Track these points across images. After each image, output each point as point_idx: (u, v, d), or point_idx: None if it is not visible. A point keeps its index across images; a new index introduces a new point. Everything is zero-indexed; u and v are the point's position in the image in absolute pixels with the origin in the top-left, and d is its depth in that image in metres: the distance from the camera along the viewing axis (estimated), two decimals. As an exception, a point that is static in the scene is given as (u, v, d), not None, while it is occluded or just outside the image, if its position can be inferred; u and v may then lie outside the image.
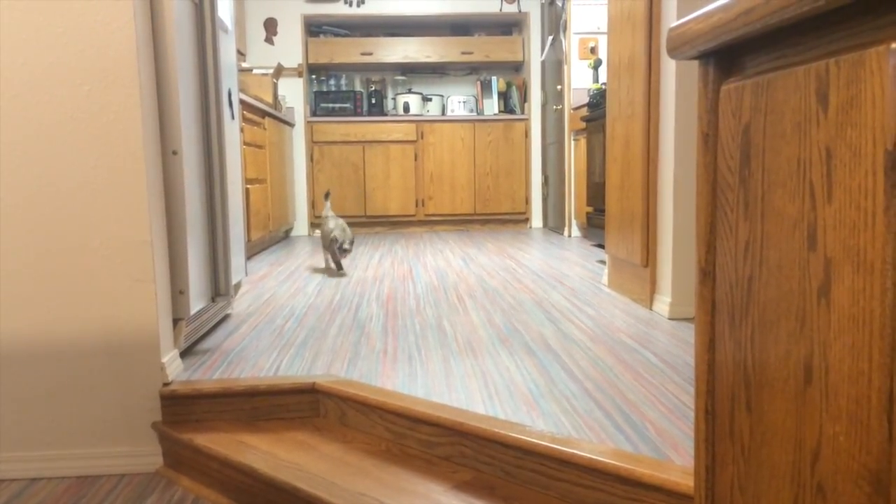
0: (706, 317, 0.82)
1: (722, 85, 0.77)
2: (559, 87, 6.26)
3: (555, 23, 6.39)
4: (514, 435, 1.56)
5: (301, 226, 6.91)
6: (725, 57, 0.77)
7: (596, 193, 4.85)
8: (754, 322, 0.71)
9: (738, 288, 0.75)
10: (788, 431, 0.65)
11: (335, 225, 3.84)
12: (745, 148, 0.72)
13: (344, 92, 6.98)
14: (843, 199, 0.56)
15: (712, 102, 0.79)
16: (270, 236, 5.74)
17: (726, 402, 0.78)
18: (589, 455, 1.43)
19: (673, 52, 0.81)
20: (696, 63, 2.62)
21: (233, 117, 2.66)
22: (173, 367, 2.06)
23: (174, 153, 2.07)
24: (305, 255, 5.09)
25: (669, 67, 2.71)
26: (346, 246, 3.72)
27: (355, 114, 6.92)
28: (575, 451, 1.45)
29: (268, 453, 1.77)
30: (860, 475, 0.55)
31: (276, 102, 6.11)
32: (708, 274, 0.82)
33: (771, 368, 0.68)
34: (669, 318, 2.69)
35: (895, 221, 0.51)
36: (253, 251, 5.16)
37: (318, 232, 6.94)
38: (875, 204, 0.53)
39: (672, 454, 1.44)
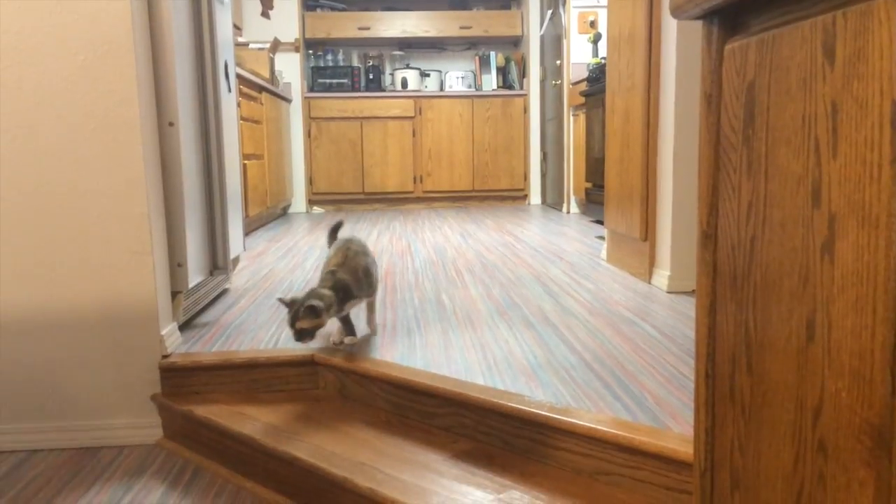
0: (707, 280, 0.82)
1: (726, 44, 0.76)
2: (558, 61, 6.21)
3: (554, -3, 6.33)
4: (513, 405, 1.56)
5: (299, 203, 6.89)
6: (730, 15, 0.76)
7: (595, 169, 4.83)
8: (756, 283, 0.71)
9: (741, 249, 0.74)
10: (790, 390, 0.65)
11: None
12: (750, 106, 0.71)
13: (341, 67, 6.93)
14: (849, 154, 0.56)
15: (716, 62, 0.78)
16: (268, 213, 5.72)
17: (727, 364, 0.78)
18: (588, 424, 1.44)
19: (676, 12, 0.80)
20: (697, 36, 2.60)
21: (229, 90, 2.64)
22: (172, 339, 2.06)
23: (171, 124, 2.05)
24: (304, 232, 5.08)
25: (670, 40, 2.69)
26: (298, 321, 1.80)
27: (353, 89, 6.87)
28: (574, 421, 1.46)
29: (267, 424, 1.78)
30: (862, 430, 0.55)
31: (272, 77, 6.06)
32: (710, 237, 0.81)
33: (773, 328, 0.68)
34: (668, 292, 2.69)
35: (901, 174, 0.50)
36: (251, 228, 5.15)
37: (316, 209, 6.92)
38: (881, 156, 0.52)
39: (670, 423, 1.44)
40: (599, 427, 1.42)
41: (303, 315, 1.80)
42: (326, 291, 1.87)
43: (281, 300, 1.86)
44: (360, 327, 2.14)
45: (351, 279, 1.94)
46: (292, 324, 1.81)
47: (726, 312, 0.77)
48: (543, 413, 1.50)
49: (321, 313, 1.81)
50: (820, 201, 0.59)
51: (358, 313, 2.04)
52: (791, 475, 0.65)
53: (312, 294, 1.84)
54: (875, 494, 0.54)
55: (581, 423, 1.45)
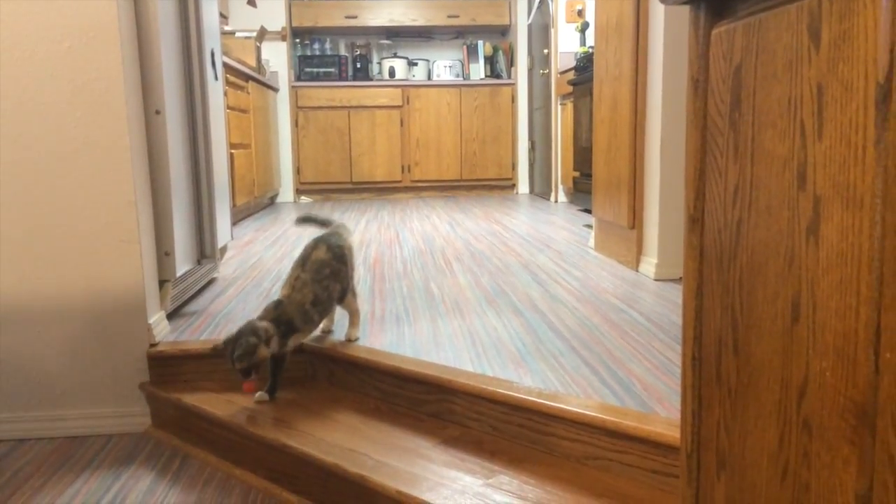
0: (694, 263, 0.82)
1: (713, 29, 0.76)
2: (546, 50, 6.21)
3: (542, -14, 6.32)
4: (501, 391, 1.57)
5: (286, 192, 6.86)
6: (716, 0, 0.76)
7: (582, 158, 4.84)
8: (742, 265, 0.72)
9: (727, 232, 0.75)
10: (775, 371, 0.66)
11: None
12: (736, 90, 0.71)
13: (328, 56, 6.89)
14: (834, 136, 0.56)
15: (703, 47, 0.79)
16: (256, 202, 5.70)
17: (713, 346, 0.79)
18: (576, 409, 1.45)
19: (664, -3, 0.80)
20: (684, 23, 2.61)
21: (216, 78, 2.63)
22: (160, 328, 2.05)
23: (157, 112, 2.04)
24: (291, 221, 5.07)
25: (657, 28, 2.69)
26: (237, 363, 1.69)
27: (340, 78, 6.84)
28: (562, 406, 1.47)
29: (256, 412, 1.78)
30: (846, 408, 0.56)
31: (259, 66, 6.03)
32: (696, 221, 0.82)
33: (758, 310, 0.69)
34: (655, 279, 2.71)
35: (885, 155, 0.51)
36: (238, 217, 5.13)
37: (304, 198, 6.90)
38: (865, 138, 0.53)
39: (658, 408, 1.45)
40: (587, 412, 1.43)
41: (238, 358, 1.67)
42: (265, 324, 1.73)
43: (214, 348, 1.73)
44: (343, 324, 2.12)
45: (296, 312, 1.80)
46: (232, 365, 1.69)
47: (713, 295, 0.78)
48: (532, 399, 1.51)
49: (255, 347, 1.68)
50: (805, 183, 0.60)
51: (342, 319, 2.03)
52: (776, 454, 0.66)
53: (248, 329, 1.71)
54: (858, 471, 0.55)
55: (569, 408, 1.46)
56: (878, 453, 0.53)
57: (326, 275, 1.88)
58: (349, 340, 1.96)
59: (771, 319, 0.66)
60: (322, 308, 1.87)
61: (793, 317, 0.63)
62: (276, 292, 2.62)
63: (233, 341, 1.69)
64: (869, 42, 0.52)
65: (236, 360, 1.68)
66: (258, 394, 1.84)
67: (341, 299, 1.96)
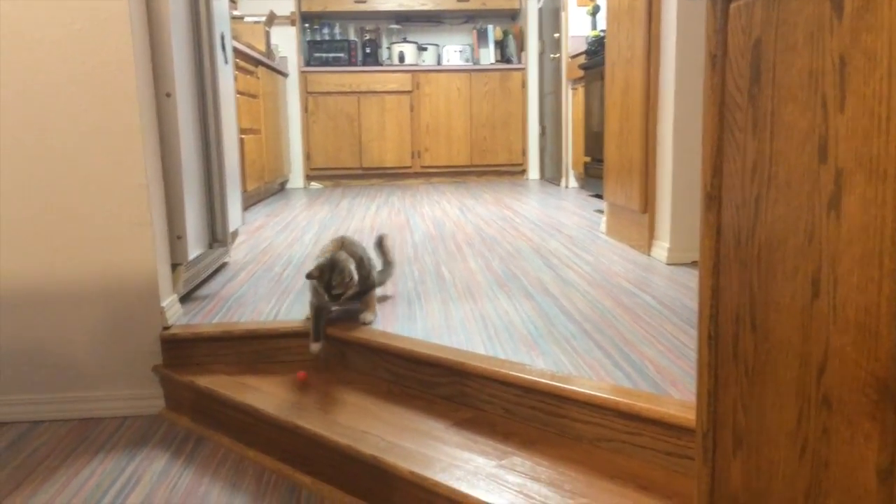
0: (711, 241, 0.82)
1: (731, 2, 0.75)
2: (557, 34, 6.16)
3: (552, -31, 6.26)
4: (514, 374, 1.57)
5: (296, 178, 6.86)
6: (735, -27, 0.75)
7: (593, 143, 4.81)
8: (761, 242, 0.71)
9: (745, 209, 0.74)
10: (794, 347, 0.66)
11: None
12: (756, 64, 0.70)
13: (338, 41, 6.87)
14: (857, 107, 0.55)
15: (721, 22, 0.77)
16: (266, 188, 5.70)
17: (730, 324, 0.78)
18: (588, 391, 1.44)
19: (681, -30, 0.79)
20: (696, 4, 2.58)
21: (226, 61, 2.62)
22: (173, 311, 2.06)
23: (168, 95, 2.04)
24: (301, 207, 5.07)
25: (670, 10, 2.66)
26: (333, 289, 1.86)
27: (350, 64, 6.82)
28: (575, 388, 1.47)
29: (269, 394, 1.78)
30: (867, 383, 0.55)
31: (269, 51, 6.01)
32: (714, 198, 0.81)
33: (777, 286, 0.68)
34: (668, 264, 2.70)
35: (910, 125, 0.50)
36: (249, 202, 5.13)
37: (314, 184, 6.90)
38: (889, 109, 0.52)
39: (671, 390, 1.45)
40: (600, 394, 1.43)
41: (337, 285, 1.85)
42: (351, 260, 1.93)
43: (309, 274, 1.85)
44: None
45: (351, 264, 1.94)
46: (328, 290, 1.85)
47: (730, 273, 0.78)
48: (545, 381, 1.51)
49: (352, 277, 1.88)
50: (826, 157, 0.59)
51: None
52: (795, 431, 0.66)
53: (342, 259, 1.88)
54: (880, 446, 0.55)
55: (582, 390, 1.45)
56: (899, 428, 0.53)
57: (367, 254, 2.09)
58: (363, 324, 1.96)
59: (790, 296, 0.66)
60: (364, 273, 1.99)
61: (813, 292, 0.62)
62: (287, 276, 2.63)
63: (329, 269, 1.85)
64: (893, 10, 0.51)
65: (335, 287, 1.84)
66: (315, 346, 1.90)
67: (367, 289, 2.05)
